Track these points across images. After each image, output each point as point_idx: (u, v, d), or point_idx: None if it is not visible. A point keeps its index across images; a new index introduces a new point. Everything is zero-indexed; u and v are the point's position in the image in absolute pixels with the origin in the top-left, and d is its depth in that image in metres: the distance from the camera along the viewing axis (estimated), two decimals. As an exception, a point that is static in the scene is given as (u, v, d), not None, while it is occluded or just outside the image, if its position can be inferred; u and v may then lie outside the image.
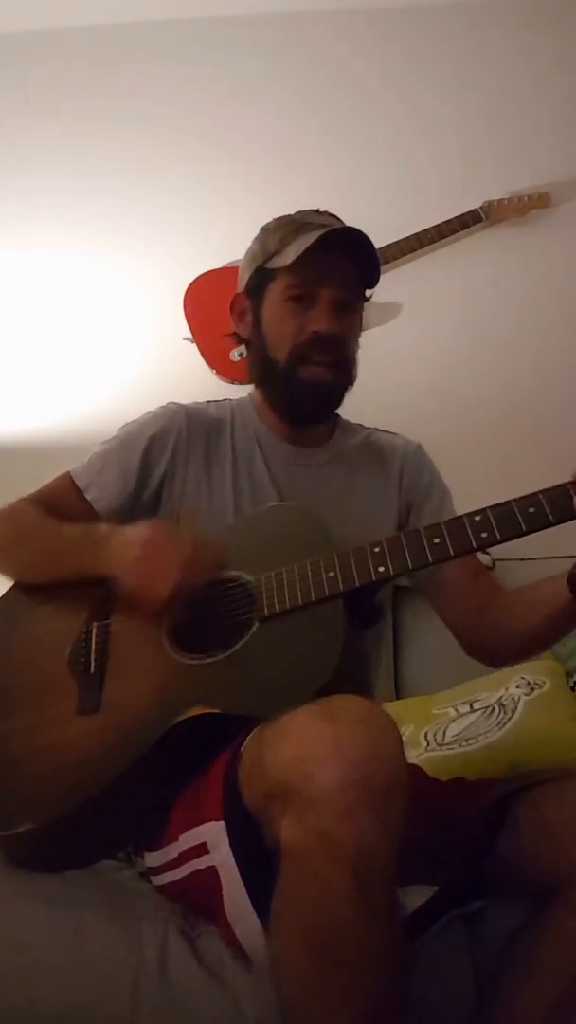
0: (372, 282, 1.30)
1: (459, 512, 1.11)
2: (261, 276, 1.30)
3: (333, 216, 1.32)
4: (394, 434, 1.43)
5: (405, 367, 2.34)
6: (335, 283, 1.26)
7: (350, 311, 1.30)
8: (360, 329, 1.34)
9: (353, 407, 1.37)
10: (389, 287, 1.31)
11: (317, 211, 1.33)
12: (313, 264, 1.23)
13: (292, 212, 1.33)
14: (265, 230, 1.32)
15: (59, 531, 1.23)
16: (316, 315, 1.25)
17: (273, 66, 2.58)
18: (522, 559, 2.00)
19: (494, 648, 1.29)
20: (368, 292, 1.32)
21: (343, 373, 1.30)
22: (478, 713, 1.73)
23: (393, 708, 1.90)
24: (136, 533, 1.13)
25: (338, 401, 1.33)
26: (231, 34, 2.58)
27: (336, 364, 1.28)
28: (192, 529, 1.12)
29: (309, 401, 1.30)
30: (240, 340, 1.38)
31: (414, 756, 1.60)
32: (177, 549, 1.09)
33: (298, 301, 1.26)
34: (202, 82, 2.58)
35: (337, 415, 1.40)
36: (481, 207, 2.44)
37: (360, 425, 1.44)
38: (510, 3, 2.48)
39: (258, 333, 1.31)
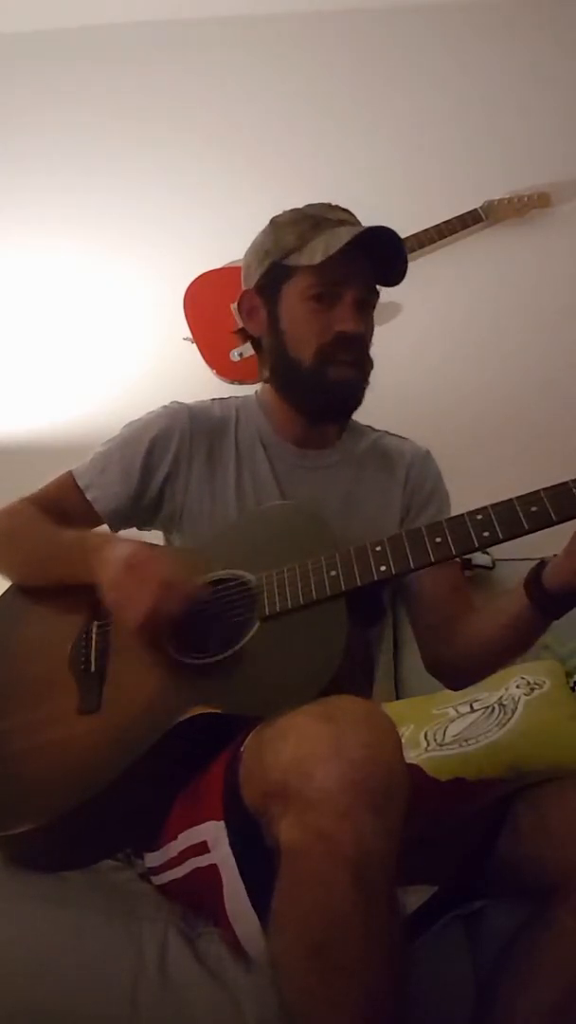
0: (397, 281, 1.27)
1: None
2: (277, 273, 1.27)
3: (347, 211, 1.30)
4: (404, 439, 1.42)
5: (405, 367, 2.33)
6: (358, 283, 1.25)
7: (369, 309, 1.28)
8: (374, 327, 1.32)
9: (354, 406, 1.37)
10: (389, 287, 1.31)
11: (330, 205, 1.30)
12: (340, 264, 1.20)
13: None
14: (278, 224, 1.29)
15: (55, 536, 1.23)
16: (340, 314, 1.23)
17: (273, 66, 2.58)
18: (522, 559, 2.00)
19: (454, 664, 1.27)
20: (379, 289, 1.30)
21: (365, 372, 1.28)
22: (478, 713, 1.73)
23: (393, 708, 1.90)
24: (122, 551, 1.11)
25: (360, 400, 1.31)
26: (231, 34, 2.58)
27: (359, 363, 1.27)
28: (174, 557, 1.10)
29: (336, 400, 1.28)
30: (246, 338, 1.37)
31: (414, 756, 1.60)
32: (153, 577, 1.06)
33: (319, 300, 1.24)
34: (202, 82, 2.59)
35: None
36: (481, 207, 2.44)
37: (370, 427, 1.42)
38: (510, 3, 2.48)
39: (275, 331, 1.29)
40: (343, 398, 1.28)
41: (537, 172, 2.45)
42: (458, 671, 1.29)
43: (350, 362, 1.25)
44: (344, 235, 1.20)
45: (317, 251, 1.21)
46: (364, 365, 1.28)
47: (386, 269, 1.26)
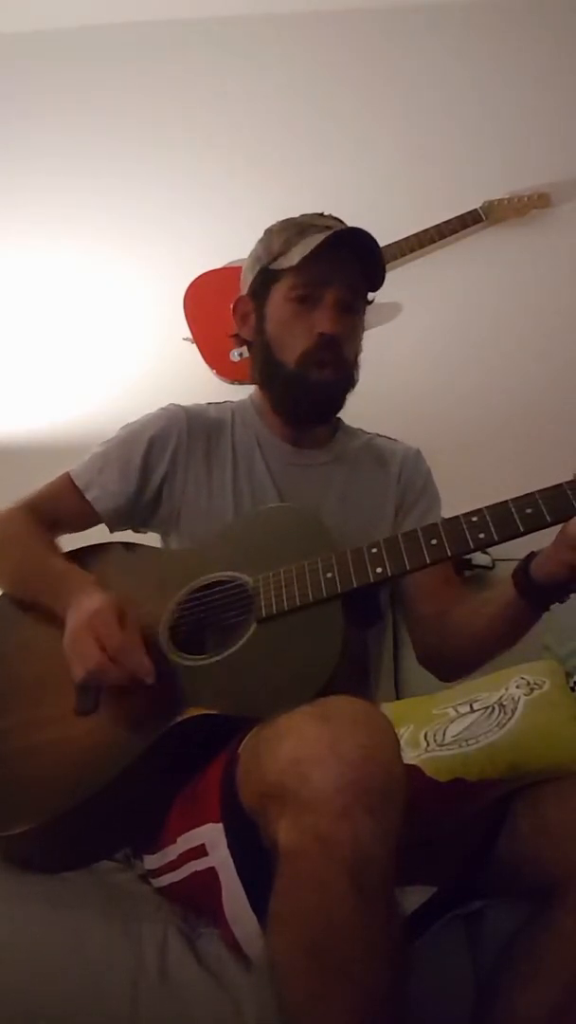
0: (376, 284, 1.30)
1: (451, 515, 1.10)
2: (265, 278, 1.30)
3: (337, 219, 1.32)
4: (394, 440, 1.44)
5: (405, 367, 2.33)
6: (339, 284, 1.26)
7: (353, 312, 1.30)
8: (362, 331, 1.34)
9: (353, 407, 1.37)
10: (389, 287, 1.32)
11: (321, 214, 1.33)
12: (318, 265, 1.23)
13: (293, 212, 1.33)
14: (269, 232, 1.32)
15: (44, 560, 1.22)
16: (320, 316, 1.25)
17: (273, 66, 2.58)
18: (522, 559, 2.00)
19: (444, 656, 1.27)
20: (371, 295, 1.32)
21: (345, 374, 1.30)
22: (478, 713, 1.72)
23: (393, 708, 1.90)
24: (90, 604, 1.08)
25: (340, 403, 1.33)
26: (231, 34, 2.58)
27: (338, 365, 1.28)
28: (131, 629, 1.05)
29: (314, 403, 1.30)
30: (242, 342, 1.38)
31: (414, 756, 1.60)
32: (103, 648, 1.03)
33: (302, 302, 1.26)
34: (202, 82, 2.59)
35: (339, 418, 1.40)
36: (481, 207, 2.44)
37: (361, 430, 1.44)
38: (510, 3, 2.48)
39: (262, 335, 1.31)
40: (322, 400, 1.30)
41: (537, 172, 2.45)
42: (449, 662, 1.29)
43: (329, 363, 1.27)
44: (320, 237, 1.22)
45: (296, 253, 1.24)
46: (342, 366, 1.29)
47: (371, 273, 1.28)
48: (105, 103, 2.61)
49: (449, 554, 1.03)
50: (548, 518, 0.98)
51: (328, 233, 1.22)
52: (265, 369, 1.32)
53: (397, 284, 1.36)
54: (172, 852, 1.01)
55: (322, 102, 2.55)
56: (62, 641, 1.10)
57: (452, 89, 2.51)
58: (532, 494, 1.00)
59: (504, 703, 1.71)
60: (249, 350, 1.39)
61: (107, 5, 2.56)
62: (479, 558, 2.11)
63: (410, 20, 2.51)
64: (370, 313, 1.36)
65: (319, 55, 2.57)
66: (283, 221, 1.32)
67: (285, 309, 1.27)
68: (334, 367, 1.27)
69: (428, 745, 1.66)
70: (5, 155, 2.62)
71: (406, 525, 1.29)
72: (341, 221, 1.32)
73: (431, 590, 1.28)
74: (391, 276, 1.30)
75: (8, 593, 1.27)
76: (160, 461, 1.30)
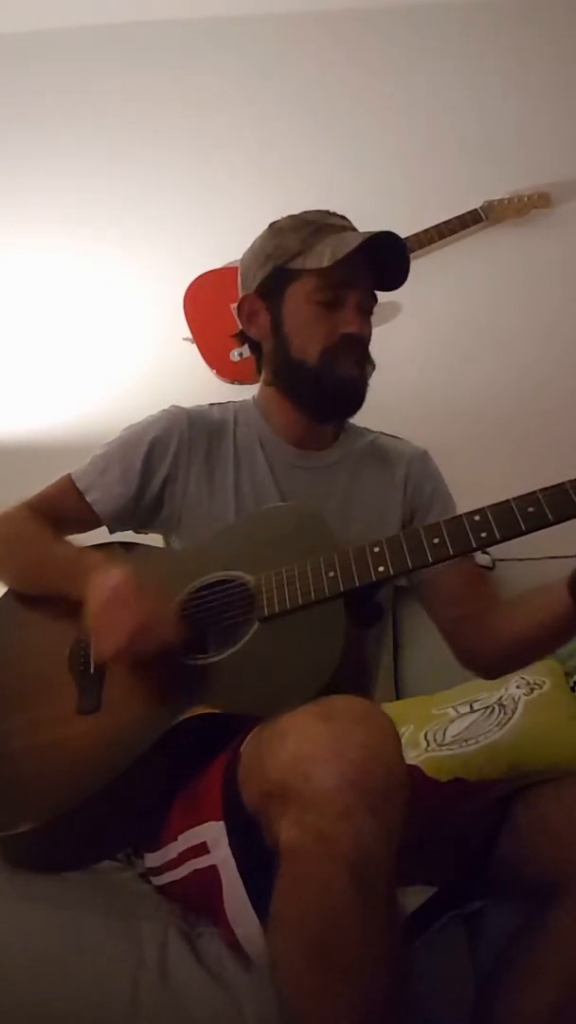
0: (394, 285, 1.29)
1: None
2: (280, 277, 1.28)
3: (343, 217, 1.32)
4: (400, 439, 1.43)
5: (405, 367, 2.34)
6: (362, 287, 1.27)
7: (370, 313, 1.31)
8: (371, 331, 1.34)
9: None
10: (389, 291, 1.32)
11: (328, 212, 1.32)
12: (345, 267, 1.23)
13: (292, 212, 1.32)
14: (278, 230, 1.30)
15: (52, 547, 1.23)
16: (345, 317, 1.25)
17: (272, 66, 2.58)
18: (522, 559, 2.01)
19: (488, 658, 1.28)
20: (378, 295, 1.32)
21: (367, 373, 1.30)
22: (478, 713, 1.73)
23: (393, 708, 1.90)
24: (109, 581, 1.09)
25: (363, 399, 1.32)
26: (231, 34, 2.58)
27: (362, 363, 1.29)
28: (155, 597, 1.07)
29: (342, 397, 1.29)
30: (245, 341, 1.37)
31: (414, 756, 1.60)
32: (131, 617, 1.04)
33: (325, 303, 1.26)
34: (202, 82, 2.58)
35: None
36: (481, 207, 2.44)
37: (366, 429, 1.43)
38: (510, 3, 2.48)
39: (278, 334, 1.30)
40: (349, 395, 1.29)
41: (537, 172, 2.45)
42: (494, 664, 1.30)
43: (354, 362, 1.27)
44: (352, 240, 1.22)
45: (325, 255, 1.23)
46: (366, 366, 1.30)
47: (387, 274, 1.28)
48: (105, 103, 2.61)
49: (452, 553, 1.02)
50: (550, 517, 0.98)
51: (359, 236, 1.22)
52: (283, 369, 1.31)
53: (397, 284, 1.37)
54: (173, 850, 1.01)
55: (322, 102, 2.55)
56: (64, 638, 1.10)
57: (452, 89, 2.51)
58: (534, 493, 1.00)
59: (504, 703, 1.71)
60: (252, 350, 1.38)
61: (107, 5, 2.56)
62: (479, 558, 2.11)
63: (410, 20, 2.51)
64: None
65: (319, 55, 2.57)
66: (291, 218, 1.31)
67: (306, 310, 1.26)
68: (359, 365, 1.28)
69: (428, 745, 1.66)
70: (5, 155, 2.62)
71: None
72: (347, 219, 1.32)
73: (456, 593, 1.28)
74: (391, 276, 1.30)
75: (16, 589, 1.26)
76: (161, 463, 1.30)
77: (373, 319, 1.33)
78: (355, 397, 1.30)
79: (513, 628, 1.20)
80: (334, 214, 1.31)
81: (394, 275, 1.29)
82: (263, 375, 1.37)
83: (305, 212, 1.31)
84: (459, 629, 1.29)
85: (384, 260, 1.26)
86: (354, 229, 1.30)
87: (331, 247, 1.23)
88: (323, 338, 1.25)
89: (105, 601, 1.06)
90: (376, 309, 1.32)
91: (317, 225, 1.27)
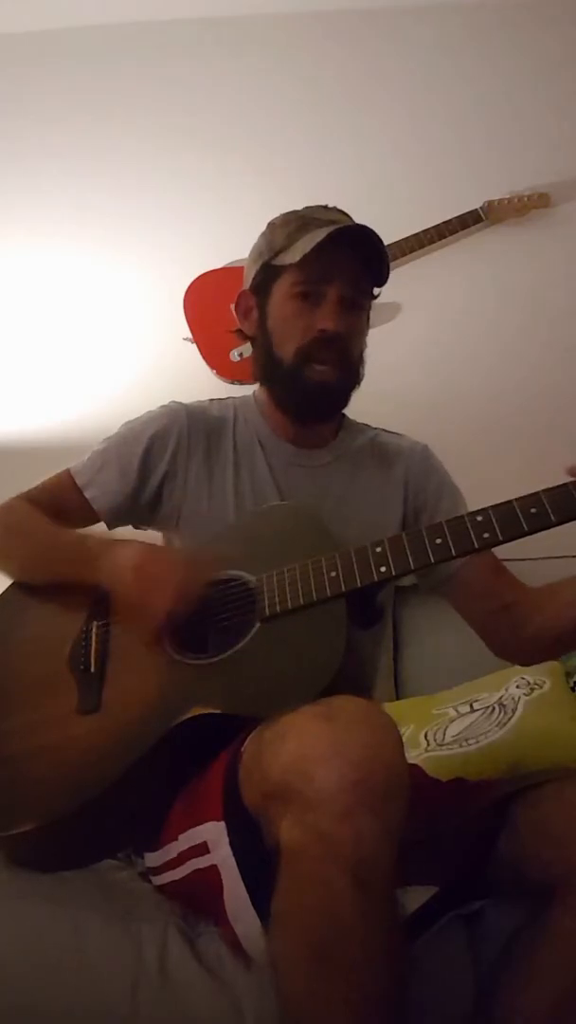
0: (381, 280, 1.28)
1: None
2: (267, 273, 1.28)
3: (341, 212, 1.31)
4: (400, 435, 1.42)
5: (405, 367, 2.33)
6: (342, 280, 1.24)
7: (357, 309, 1.28)
8: (367, 328, 1.33)
9: (353, 407, 1.36)
10: (389, 287, 1.31)
11: (325, 207, 1.31)
12: (321, 261, 1.21)
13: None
14: (272, 226, 1.30)
15: (55, 534, 1.23)
16: (322, 313, 1.24)
17: (273, 66, 2.58)
18: (522, 559, 2.01)
19: (523, 648, 1.29)
20: (376, 290, 1.30)
21: (349, 372, 1.29)
22: (478, 713, 1.72)
23: (393, 708, 1.90)
24: (128, 554, 1.11)
25: (344, 401, 1.32)
26: (231, 34, 2.58)
27: (341, 363, 1.27)
28: (183, 550, 1.11)
29: (314, 401, 1.28)
30: (244, 338, 1.37)
31: (414, 756, 1.60)
32: (168, 579, 1.07)
33: (304, 298, 1.25)
34: (202, 82, 2.58)
35: (343, 415, 1.39)
36: (481, 207, 2.44)
37: (366, 425, 1.42)
38: (510, 3, 2.48)
39: (263, 330, 1.30)
40: (320, 398, 1.28)
41: (537, 172, 2.45)
42: (533, 654, 1.32)
43: (331, 362, 1.25)
44: (322, 233, 1.20)
45: (299, 249, 1.22)
46: (348, 365, 1.28)
47: (373, 268, 1.26)
48: (105, 103, 2.60)
49: (454, 553, 1.02)
50: (553, 518, 0.98)
51: (331, 228, 1.21)
52: (265, 365, 1.31)
53: (397, 284, 1.36)
54: (173, 850, 1.01)
55: (322, 102, 2.55)
56: (65, 638, 1.09)
57: (452, 89, 2.50)
58: (537, 494, 1.00)
59: (504, 703, 1.71)
60: (252, 345, 1.37)
61: (107, 5, 2.56)
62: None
63: (410, 20, 2.51)
64: (370, 313, 1.36)
65: (319, 55, 2.57)
66: (286, 214, 1.30)
67: (287, 306, 1.26)
68: (335, 365, 1.26)
69: (428, 745, 1.66)
70: (5, 155, 2.62)
71: None
72: (346, 214, 1.30)
73: (487, 585, 1.29)
74: (391, 276, 1.30)
75: (20, 578, 1.26)
76: (160, 460, 1.29)
77: (373, 319, 1.32)
78: (328, 401, 1.30)
79: (546, 620, 1.21)
80: (332, 209, 1.30)
81: (377, 269, 1.27)
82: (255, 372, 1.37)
83: (305, 208, 1.30)
84: (494, 622, 1.29)
85: (368, 255, 1.24)
86: (348, 223, 1.28)
87: (306, 241, 1.22)
88: (300, 334, 1.24)
89: (133, 575, 1.08)
90: (376, 309, 1.31)
91: (305, 220, 1.26)
